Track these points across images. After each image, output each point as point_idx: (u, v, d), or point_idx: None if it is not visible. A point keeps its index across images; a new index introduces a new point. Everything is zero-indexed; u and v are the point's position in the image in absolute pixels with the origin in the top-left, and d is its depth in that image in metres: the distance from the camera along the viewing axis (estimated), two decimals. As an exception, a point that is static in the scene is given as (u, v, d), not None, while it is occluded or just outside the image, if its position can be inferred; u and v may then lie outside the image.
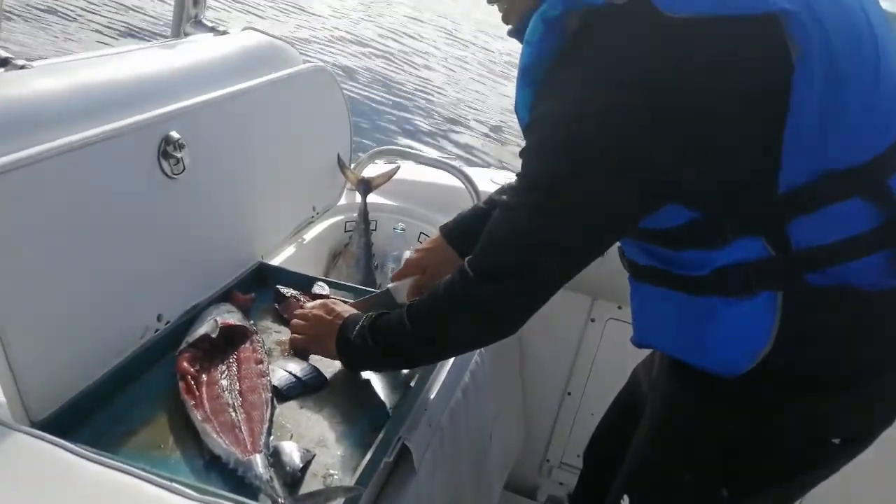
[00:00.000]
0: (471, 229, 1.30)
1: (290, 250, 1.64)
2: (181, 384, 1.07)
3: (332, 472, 1.00)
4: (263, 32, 1.63)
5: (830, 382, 0.95)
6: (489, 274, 0.97)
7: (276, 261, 1.58)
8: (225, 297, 1.31)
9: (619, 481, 1.14)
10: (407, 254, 1.82)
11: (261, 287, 1.42)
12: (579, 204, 0.91)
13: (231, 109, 1.35)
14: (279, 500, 0.86)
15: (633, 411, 1.27)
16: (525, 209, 0.95)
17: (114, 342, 1.09)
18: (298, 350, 1.23)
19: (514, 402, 1.96)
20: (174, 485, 0.82)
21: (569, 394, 2.03)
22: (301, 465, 0.97)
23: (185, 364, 1.10)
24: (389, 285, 1.35)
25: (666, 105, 0.84)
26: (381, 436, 1.03)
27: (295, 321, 1.24)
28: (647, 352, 1.31)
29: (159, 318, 1.18)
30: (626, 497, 1.11)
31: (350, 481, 0.96)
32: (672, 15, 0.80)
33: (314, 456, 1.01)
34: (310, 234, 1.73)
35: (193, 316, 1.23)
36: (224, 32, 1.56)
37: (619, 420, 1.38)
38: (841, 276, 0.91)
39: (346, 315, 1.17)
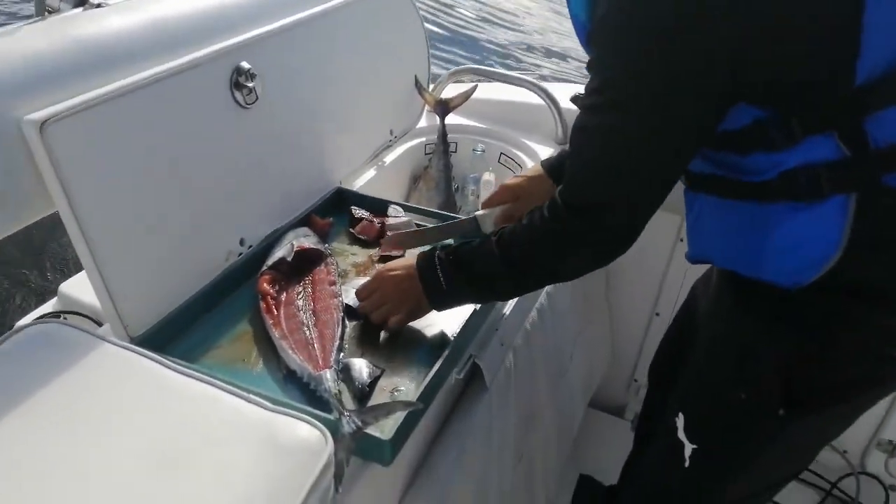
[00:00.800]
0: None
1: (370, 174, 1.67)
2: (262, 304, 1.14)
3: (399, 388, 1.05)
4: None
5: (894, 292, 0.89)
6: (578, 206, 0.94)
7: (356, 185, 1.62)
8: (304, 221, 1.37)
9: (674, 399, 1.14)
10: (487, 176, 1.81)
11: (339, 211, 1.46)
12: (658, 111, 0.86)
13: (302, 36, 1.36)
14: (343, 412, 0.91)
15: (690, 328, 1.24)
16: (603, 132, 0.90)
17: (201, 265, 1.17)
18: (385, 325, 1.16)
19: (600, 323, 1.95)
20: (251, 396, 0.89)
21: (657, 314, 2.00)
22: (369, 381, 1.03)
23: (265, 285, 1.17)
24: (477, 213, 1.31)
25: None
26: (446, 353, 1.06)
27: (363, 297, 1.16)
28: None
29: (242, 243, 1.24)
30: (680, 415, 1.10)
31: (414, 397, 1.00)
32: None
33: (382, 372, 1.06)
34: (389, 158, 1.75)
35: (274, 240, 1.29)
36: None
37: (678, 337, 1.36)
38: None
39: (413, 261, 1.12)
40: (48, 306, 1.46)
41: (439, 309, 1.12)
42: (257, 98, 1.23)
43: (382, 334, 1.15)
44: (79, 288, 1.42)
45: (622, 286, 1.99)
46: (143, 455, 0.81)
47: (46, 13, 1.07)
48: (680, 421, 1.11)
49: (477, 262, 1.05)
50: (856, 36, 0.78)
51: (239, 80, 1.19)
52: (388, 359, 1.10)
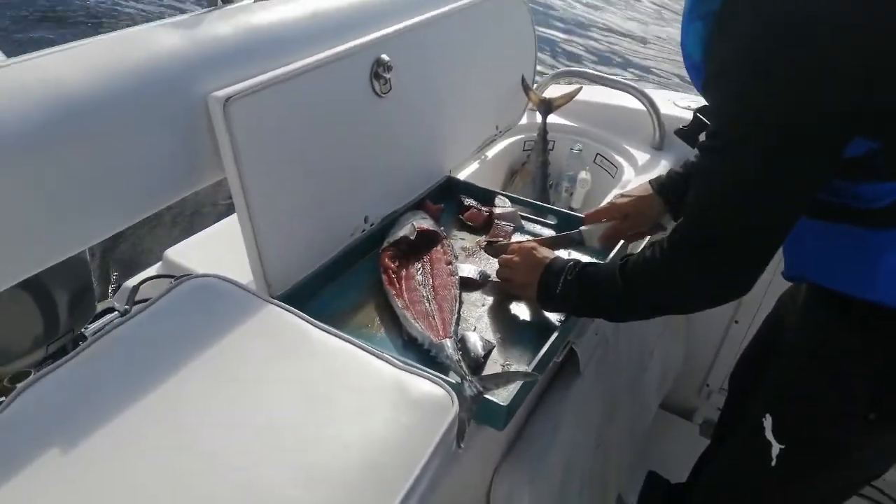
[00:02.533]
0: (682, 184, 1.29)
1: (474, 166, 1.77)
2: (384, 277, 1.26)
3: (508, 362, 1.14)
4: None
5: None
6: (695, 242, 0.97)
7: (461, 175, 1.72)
8: (419, 205, 1.48)
9: (761, 402, 1.19)
10: (583, 174, 1.89)
11: (449, 198, 1.57)
12: (780, 156, 0.89)
13: (431, 33, 1.46)
14: (466, 377, 1.01)
15: (777, 338, 1.29)
16: (715, 174, 0.94)
17: (331, 237, 1.29)
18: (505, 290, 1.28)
19: (678, 325, 2.01)
20: (383, 354, 1.00)
21: (736, 322, 2.04)
22: (483, 353, 1.12)
23: (388, 260, 1.28)
24: (583, 228, 1.36)
25: (858, 17, 0.82)
26: (553, 336, 1.15)
27: (502, 263, 1.26)
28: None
29: (366, 220, 1.36)
30: (768, 416, 1.16)
31: (533, 381, 1.09)
32: None
33: (494, 346, 1.16)
34: (491, 152, 1.85)
35: (392, 220, 1.41)
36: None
37: (763, 348, 1.41)
38: None
39: (549, 261, 1.18)
40: (153, 270, 1.60)
41: (544, 307, 1.21)
42: (391, 88, 1.34)
43: (489, 314, 1.25)
44: (183, 254, 1.55)
45: None
46: (296, 395, 0.93)
47: (220, 2, 1.21)
48: (768, 422, 1.16)
49: (601, 283, 1.09)
50: None
51: (378, 71, 1.30)
52: (497, 336, 1.20)
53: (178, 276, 1.56)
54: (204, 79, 1.06)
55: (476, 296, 1.29)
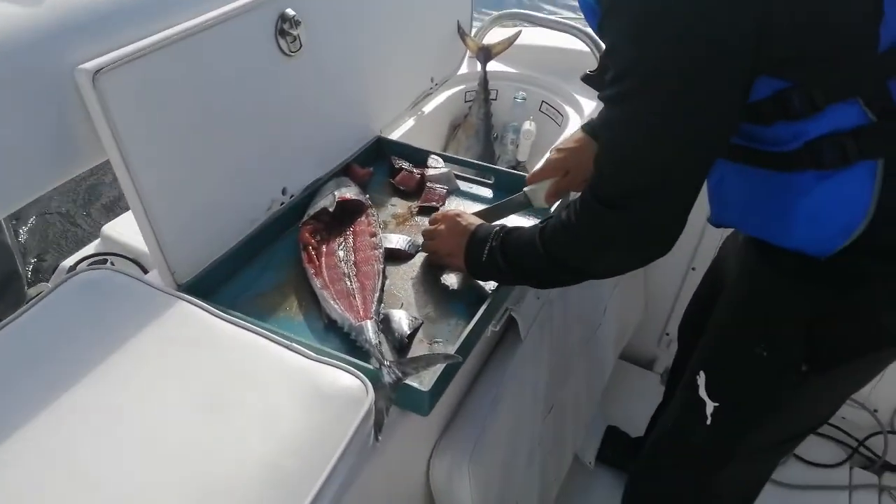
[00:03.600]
0: None
1: (409, 123, 1.66)
2: (303, 254, 1.17)
3: (437, 339, 1.07)
4: None
5: None
6: (611, 201, 0.90)
7: (395, 134, 1.62)
8: (345, 171, 1.38)
9: (696, 357, 1.15)
10: (527, 125, 1.79)
11: (379, 161, 1.47)
12: (683, 95, 0.82)
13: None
14: (384, 362, 0.94)
15: (719, 285, 1.25)
16: (629, 121, 0.86)
17: (244, 215, 1.19)
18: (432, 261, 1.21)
19: (633, 277, 1.95)
20: (294, 345, 0.93)
21: (693, 269, 1.99)
22: (409, 332, 1.05)
23: (307, 235, 1.19)
24: (526, 188, 1.28)
25: None
26: (485, 307, 1.08)
27: (426, 234, 1.21)
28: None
29: (284, 192, 1.26)
30: (701, 374, 1.13)
31: (453, 349, 1.02)
32: None
33: (422, 324, 1.08)
34: (429, 107, 1.74)
35: (315, 189, 1.31)
36: None
37: (706, 294, 1.37)
38: None
39: (473, 229, 1.12)
40: (91, 248, 1.51)
41: (474, 276, 1.14)
42: (301, 46, 1.22)
43: (418, 286, 1.17)
44: (121, 230, 1.46)
45: None
46: (193, 398, 0.85)
47: (94, -43, 1.07)
48: (701, 379, 1.12)
49: (523, 249, 1.03)
50: (878, 4, 0.77)
51: (284, 28, 1.18)
52: (427, 311, 1.12)
53: (110, 255, 1.48)
54: (74, 49, 0.94)
55: (405, 268, 1.21)
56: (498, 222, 1.16)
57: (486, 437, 1.19)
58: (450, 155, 1.48)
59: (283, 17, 1.18)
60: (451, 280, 1.19)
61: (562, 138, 1.57)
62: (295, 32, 1.20)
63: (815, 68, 0.83)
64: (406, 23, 1.55)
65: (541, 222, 1.03)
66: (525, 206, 1.27)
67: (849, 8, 0.80)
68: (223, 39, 1.08)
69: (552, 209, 1.28)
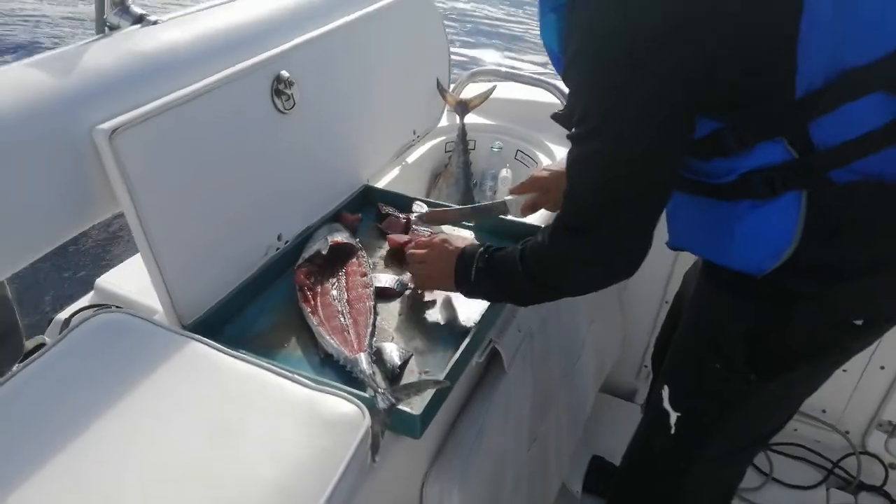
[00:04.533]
0: None
1: (394, 172, 1.77)
2: (299, 294, 1.25)
3: (426, 369, 1.15)
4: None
5: (852, 271, 1.01)
6: (576, 228, 1.02)
7: (381, 183, 1.72)
8: (335, 217, 1.47)
9: (661, 373, 1.25)
10: (504, 172, 1.91)
11: (367, 207, 1.57)
12: (636, 135, 0.94)
13: (334, 44, 1.46)
14: (378, 390, 1.02)
15: (680, 312, 1.36)
16: (590, 159, 0.98)
17: (243, 259, 1.28)
18: (419, 285, 1.31)
19: (611, 311, 2.04)
20: (295, 375, 1.00)
21: (666, 302, 2.09)
22: (400, 363, 1.13)
23: (302, 277, 1.28)
24: (507, 198, 1.42)
25: (687, 13, 0.87)
26: (468, 338, 1.17)
27: (415, 259, 1.28)
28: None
29: (279, 238, 1.35)
30: (665, 388, 1.23)
31: (441, 377, 1.10)
32: None
33: (411, 355, 1.16)
34: (412, 157, 1.85)
35: (308, 235, 1.40)
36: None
37: (670, 323, 1.47)
38: (864, 170, 0.95)
39: (460, 252, 1.20)
40: (85, 300, 1.57)
41: (465, 295, 1.23)
42: (295, 104, 1.33)
43: (407, 321, 1.26)
44: (114, 282, 1.53)
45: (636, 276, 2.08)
46: (204, 428, 0.92)
47: (107, 29, 1.19)
48: (665, 392, 1.23)
49: (506, 268, 1.13)
50: (792, 56, 0.88)
51: (279, 88, 1.29)
52: (416, 343, 1.21)
53: (104, 306, 1.55)
54: (91, 111, 1.05)
55: (394, 305, 1.30)
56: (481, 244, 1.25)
57: (475, 464, 1.26)
58: (433, 200, 1.59)
59: (279, 79, 1.29)
60: (436, 315, 1.28)
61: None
62: (289, 92, 1.31)
63: (744, 112, 0.95)
64: (390, 80, 1.67)
65: (521, 244, 1.13)
66: (503, 213, 1.43)
67: (767, 63, 0.91)
68: (225, 100, 1.19)
69: (526, 220, 1.43)
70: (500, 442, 1.36)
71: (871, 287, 1.03)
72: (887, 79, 0.91)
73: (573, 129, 0.99)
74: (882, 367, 1.91)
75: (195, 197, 1.15)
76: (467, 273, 1.18)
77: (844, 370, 1.92)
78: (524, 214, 1.42)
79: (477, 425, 1.29)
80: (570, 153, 1.02)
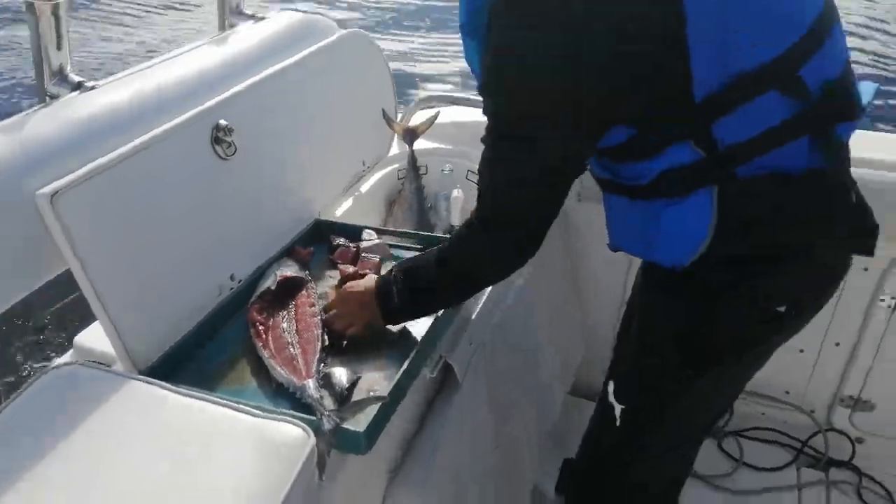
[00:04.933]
0: None
1: (348, 203, 1.85)
2: (252, 330, 1.32)
3: (375, 388, 1.22)
4: (299, 11, 1.80)
5: (767, 261, 1.08)
6: (487, 222, 1.14)
7: (336, 214, 1.80)
8: (288, 253, 1.55)
9: (608, 370, 1.32)
10: (455, 192, 1.98)
11: (319, 241, 1.64)
12: (539, 142, 1.04)
13: (272, 89, 1.54)
14: (324, 411, 1.09)
15: (631, 312, 1.43)
16: (493, 160, 1.09)
17: (195, 302, 1.34)
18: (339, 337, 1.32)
19: (570, 314, 2.11)
20: (242, 406, 1.07)
21: (625, 304, 2.15)
22: (348, 385, 1.20)
23: (255, 313, 1.35)
24: (456, 227, 1.51)
25: (586, 35, 0.96)
26: (411, 356, 1.23)
27: (329, 321, 1.33)
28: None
29: (232, 278, 1.42)
30: (611, 383, 1.30)
31: (394, 403, 1.17)
32: None
33: (359, 377, 1.23)
34: (365, 187, 1.93)
35: (262, 273, 1.47)
36: (262, 18, 1.74)
37: (623, 325, 1.54)
38: (769, 165, 1.02)
39: (374, 283, 1.29)
40: (66, 357, 1.64)
41: (393, 322, 1.30)
42: (236, 150, 1.41)
43: (357, 345, 1.32)
44: (92, 338, 1.58)
45: (591, 277, 2.15)
46: (157, 463, 0.99)
47: (48, 98, 1.27)
48: (611, 387, 1.30)
49: (424, 278, 1.23)
50: (686, 66, 0.96)
51: (218, 136, 1.37)
52: (364, 366, 1.27)
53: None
54: (36, 178, 1.12)
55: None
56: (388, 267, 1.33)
57: (434, 478, 1.32)
58: (382, 228, 1.66)
59: (217, 128, 1.37)
60: (385, 337, 1.35)
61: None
62: (229, 139, 1.39)
63: (652, 119, 1.04)
64: (334, 116, 1.75)
65: (435, 249, 1.24)
66: None
67: (663, 74, 0.99)
68: (164, 153, 1.26)
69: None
70: (459, 454, 1.42)
71: (787, 274, 1.11)
72: (778, 79, 0.99)
73: (485, 135, 1.10)
74: (837, 344, 1.98)
75: (141, 248, 1.23)
76: (390, 299, 1.25)
77: (802, 350, 2.03)
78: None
79: (433, 440, 1.36)
80: (481, 156, 1.12)
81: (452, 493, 1.39)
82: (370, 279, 1.34)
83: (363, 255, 1.54)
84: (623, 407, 1.28)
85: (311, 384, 1.17)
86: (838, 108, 1.05)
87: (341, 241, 1.60)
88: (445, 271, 1.21)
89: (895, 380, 1.96)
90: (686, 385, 1.20)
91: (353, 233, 1.63)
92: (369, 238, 1.60)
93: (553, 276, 1.98)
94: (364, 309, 1.30)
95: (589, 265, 2.13)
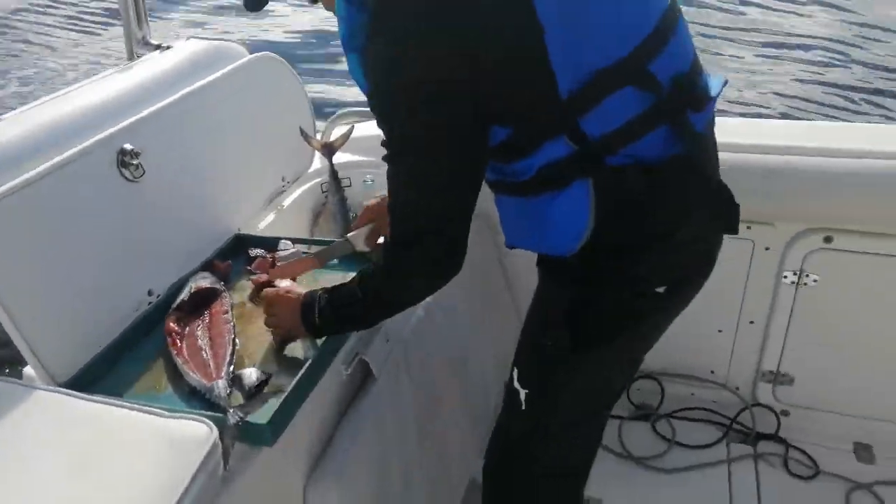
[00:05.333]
0: None
1: (269, 217, 1.91)
2: (168, 339, 1.37)
3: (285, 386, 1.27)
4: (207, 38, 1.88)
5: (642, 245, 1.16)
6: (402, 241, 1.17)
7: (259, 228, 1.86)
8: (207, 267, 1.60)
9: (514, 359, 1.38)
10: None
11: (240, 254, 1.70)
12: (433, 151, 1.09)
13: (179, 112, 1.60)
14: (228, 408, 1.14)
15: None
16: (398, 177, 1.13)
17: (114, 317, 1.39)
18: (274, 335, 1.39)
19: (503, 304, 2.17)
20: (150, 408, 1.12)
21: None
22: (257, 383, 1.25)
23: (171, 324, 1.40)
24: (349, 235, 1.52)
25: (453, 48, 1.04)
26: (316, 353, 1.29)
27: (266, 313, 1.38)
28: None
29: (150, 293, 1.47)
30: (514, 369, 1.36)
31: (304, 394, 1.23)
32: None
33: (270, 376, 1.28)
34: (288, 201, 1.99)
35: (180, 286, 1.53)
36: (168, 48, 1.81)
37: None
38: (633, 154, 1.11)
39: (302, 299, 1.31)
40: None
41: (311, 333, 1.33)
42: (144, 172, 1.46)
43: (276, 347, 1.38)
44: None
45: (520, 267, 2.21)
46: (64, 467, 1.03)
47: (-48, 133, 1.32)
48: (515, 373, 1.36)
49: (346, 299, 1.26)
50: (548, 68, 1.04)
51: (125, 160, 1.43)
52: (276, 366, 1.33)
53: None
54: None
55: (260, 333, 1.42)
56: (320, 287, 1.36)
57: (352, 469, 1.38)
58: (299, 238, 1.73)
59: (123, 152, 1.43)
60: (305, 340, 1.40)
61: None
62: (136, 162, 1.45)
63: (525, 118, 1.11)
64: (249, 135, 1.81)
65: (358, 273, 1.27)
66: (349, 250, 1.52)
67: (529, 77, 1.07)
68: (69, 178, 1.32)
69: (371, 251, 1.52)
70: (380, 447, 1.47)
71: (662, 257, 1.19)
72: (631, 75, 1.08)
73: (386, 151, 1.14)
74: (752, 322, 2.08)
75: (53, 267, 1.28)
76: (312, 316, 1.29)
77: (720, 330, 2.12)
78: (370, 246, 1.51)
79: (351, 434, 1.41)
80: (387, 173, 1.16)
81: (375, 486, 1.44)
82: (302, 290, 1.36)
83: (278, 264, 1.60)
84: (526, 391, 1.34)
85: (219, 384, 1.22)
86: (687, 99, 1.14)
87: (259, 252, 1.66)
88: (369, 295, 1.23)
89: (808, 353, 2.06)
90: (577, 365, 1.27)
91: (271, 244, 1.69)
92: (285, 248, 1.66)
93: (482, 269, 2.05)
94: (289, 318, 1.34)
95: (516, 255, 2.20)
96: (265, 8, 1.32)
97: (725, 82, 1.23)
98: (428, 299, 1.70)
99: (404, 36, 1.06)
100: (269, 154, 1.91)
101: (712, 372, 2.19)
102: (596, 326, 1.24)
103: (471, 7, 1.03)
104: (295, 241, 1.70)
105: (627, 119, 1.09)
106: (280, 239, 1.69)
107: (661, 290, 1.21)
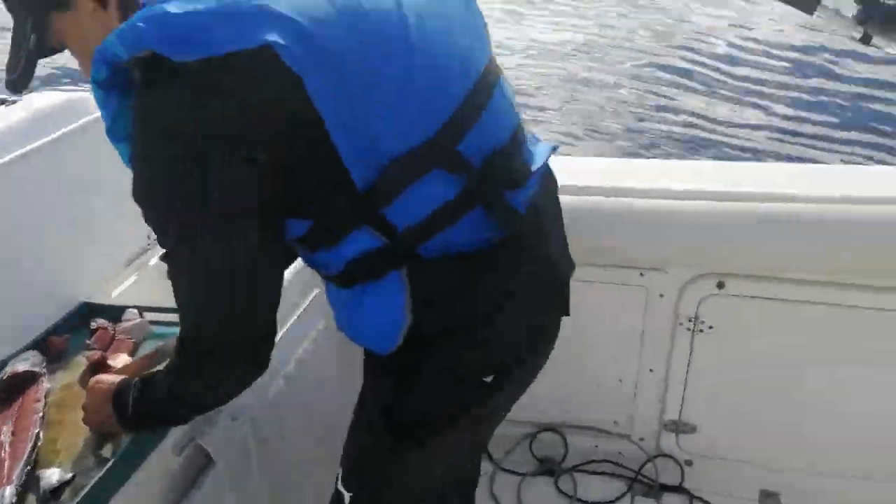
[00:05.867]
0: None
1: (131, 279, 1.79)
2: (-28, 434, 1.26)
3: (85, 487, 1.16)
4: (60, 90, 1.77)
5: (461, 334, 1.07)
6: (196, 345, 1.04)
7: (117, 292, 1.74)
8: (38, 343, 1.48)
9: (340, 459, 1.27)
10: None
11: (83, 326, 1.58)
12: (213, 254, 0.96)
13: (13, 175, 1.49)
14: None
15: None
16: (179, 279, 1.00)
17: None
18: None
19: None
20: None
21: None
22: (56, 486, 1.14)
23: (-24, 417, 1.28)
24: (159, 344, 1.38)
25: (226, 144, 0.91)
26: (120, 450, 1.18)
27: (83, 417, 1.23)
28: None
29: (-34, 378, 1.36)
30: (340, 468, 1.25)
31: (109, 495, 1.12)
32: (185, 62, 0.88)
33: (73, 476, 1.17)
34: (154, 261, 1.88)
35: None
36: (14, 102, 1.70)
37: None
38: (446, 241, 1.01)
39: (113, 396, 1.16)
40: None
41: (127, 430, 1.20)
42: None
43: (88, 439, 1.26)
44: None
45: None
46: None
47: None
48: (340, 472, 1.24)
49: (156, 394, 1.12)
50: (339, 162, 0.94)
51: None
52: (87, 462, 1.21)
53: None
54: None
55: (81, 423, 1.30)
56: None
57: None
58: (154, 306, 1.61)
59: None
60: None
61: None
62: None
63: (325, 211, 1.01)
64: (104, 194, 1.69)
65: (164, 367, 1.14)
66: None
67: (328, 171, 0.96)
68: None
69: None
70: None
71: (483, 344, 1.09)
72: (437, 158, 0.98)
73: (163, 251, 1.01)
74: (651, 371, 2.00)
75: None
76: (125, 408, 1.15)
77: (620, 380, 2.04)
78: None
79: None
80: (168, 275, 1.02)
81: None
82: (115, 378, 1.22)
83: (118, 336, 1.49)
84: (350, 495, 1.21)
85: (7, 491, 1.11)
86: (502, 178, 1.04)
87: (101, 322, 1.55)
88: (172, 396, 1.10)
89: (709, 400, 1.99)
90: (402, 459, 1.16)
91: (117, 314, 1.58)
92: (129, 318, 1.54)
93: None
94: (103, 410, 1.19)
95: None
96: None
97: (554, 148, 1.15)
98: (290, 368, 1.63)
99: (160, 135, 0.93)
100: (130, 211, 1.79)
101: (616, 423, 2.11)
102: (416, 421, 1.12)
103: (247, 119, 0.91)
104: (148, 309, 1.59)
105: (436, 206, 1.00)
106: (126, 308, 1.58)
107: (488, 379, 1.11)
